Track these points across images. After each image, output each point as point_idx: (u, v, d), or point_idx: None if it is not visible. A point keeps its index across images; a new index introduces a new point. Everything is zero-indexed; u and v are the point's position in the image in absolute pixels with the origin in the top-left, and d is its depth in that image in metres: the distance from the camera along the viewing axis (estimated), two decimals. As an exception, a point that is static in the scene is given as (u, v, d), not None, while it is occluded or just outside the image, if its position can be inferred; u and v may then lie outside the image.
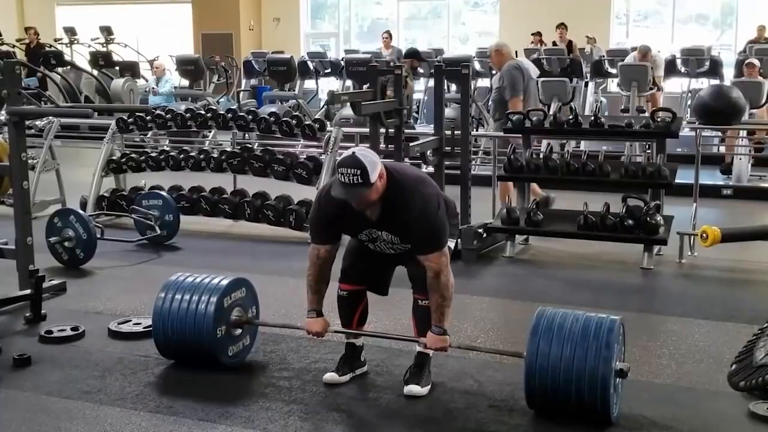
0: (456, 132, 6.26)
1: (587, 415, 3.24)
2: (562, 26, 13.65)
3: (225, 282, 3.81)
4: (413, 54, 8.76)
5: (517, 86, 6.75)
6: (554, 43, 13.68)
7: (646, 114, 7.95)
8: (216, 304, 3.71)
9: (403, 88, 6.31)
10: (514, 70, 6.82)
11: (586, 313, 3.35)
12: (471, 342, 4.23)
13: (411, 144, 5.99)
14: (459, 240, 5.90)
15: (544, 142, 8.38)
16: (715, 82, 10.59)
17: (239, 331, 3.88)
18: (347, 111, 9.35)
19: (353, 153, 3.28)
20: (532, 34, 14.37)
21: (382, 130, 6.11)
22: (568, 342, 3.21)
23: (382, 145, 6.08)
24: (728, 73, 11.79)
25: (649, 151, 6.66)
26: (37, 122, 8.33)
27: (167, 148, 7.53)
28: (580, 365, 3.16)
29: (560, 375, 3.18)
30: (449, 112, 8.73)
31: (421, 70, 11.20)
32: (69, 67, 14.25)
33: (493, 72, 11.24)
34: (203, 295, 3.75)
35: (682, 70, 11.56)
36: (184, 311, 3.73)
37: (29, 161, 4.97)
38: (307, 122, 6.81)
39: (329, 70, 13.14)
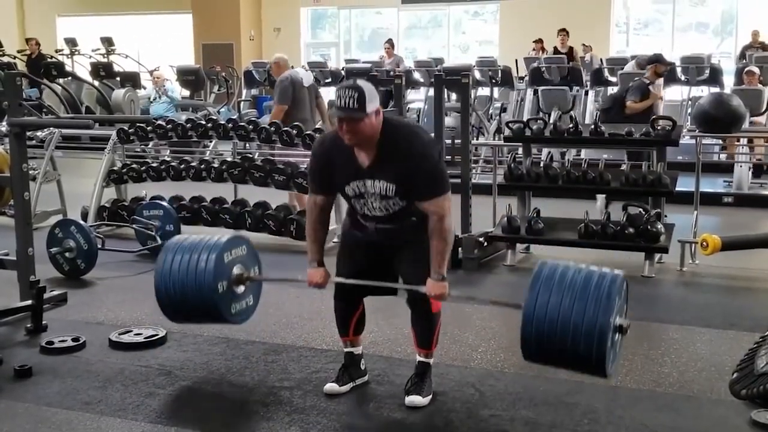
0: (456, 141, 6.27)
1: (582, 368, 3.20)
2: (563, 32, 13.68)
3: (225, 239, 3.80)
4: (657, 59, 8.25)
5: (284, 96, 7.26)
6: (555, 49, 13.71)
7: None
8: (216, 259, 3.68)
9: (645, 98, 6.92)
10: (285, 81, 7.31)
11: (589, 266, 3.28)
12: (472, 350, 4.23)
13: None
14: (460, 249, 5.91)
15: (545, 151, 8.42)
16: (715, 90, 10.60)
17: (242, 288, 3.83)
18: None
19: (355, 80, 3.33)
20: (534, 42, 14.40)
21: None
22: (568, 292, 3.13)
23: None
24: (728, 81, 11.80)
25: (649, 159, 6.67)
26: (38, 133, 8.35)
27: (168, 159, 7.54)
28: (578, 316, 3.08)
29: (557, 325, 3.10)
30: (449, 120, 8.75)
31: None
32: (70, 77, 14.28)
33: (493, 81, 11.36)
34: (203, 253, 3.71)
35: (682, 78, 11.56)
36: (185, 269, 3.70)
37: (30, 172, 4.98)
38: (307, 132, 6.82)
39: (329, 80, 13.16)
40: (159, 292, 3.80)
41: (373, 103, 3.26)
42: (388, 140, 3.34)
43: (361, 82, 3.31)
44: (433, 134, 6.42)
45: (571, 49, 13.54)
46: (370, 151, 3.35)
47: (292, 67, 7.75)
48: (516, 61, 13.14)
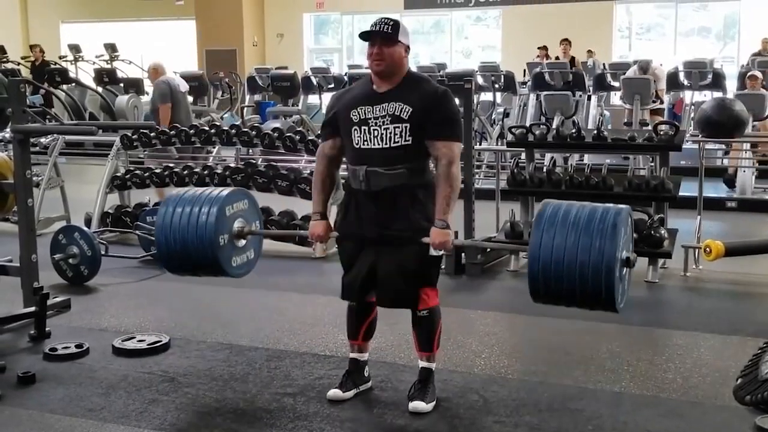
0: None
1: (592, 304, 3.15)
2: (565, 42, 13.69)
3: (226, 192, 3.75)
4: None
5: (164, 95, 7.93)
6: (557, 59, 13.72)
7: (649, 127, 7.96)
8: (217, 212, 3.63)
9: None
10: (162, 84, 7.99)
11: (593, 203, 3.22)
12: (475, 356, 4.23)
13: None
14: (463, 254, 5.90)
15: (548, 156, 8.41)
16: (718, 94, 10.59)
17: (243, 242, 3.79)
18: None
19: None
20: (539, 48, 14.40)
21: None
22: (573, 228, 3.08)
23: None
24: (731, 86, 11.80)
25: (652, 164, 6.67)
26: (42, 139, 8.37)
27: (171, 165, 7.55)
28: (584, 250, 3.03)
29: (564, 261, 3.06)
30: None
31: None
32: (74, 84, 14.31)
33: (496, 86, 11.37)
34: (204, 205, 3.67)
35: (685, 82, 11.56)
36: (186, 221, 3.65)
37: (34, 178, 5.00)
38: (310, 137, 6.82)
39: (332, 85, 13.17)
40: (159, 244, 3.75)
41: (405, 37, 3.44)
42: (412, 79, 3.46)
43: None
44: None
45: (573, 59, 13.54)
46: (392, 83, 3.42)
47: (176, 73, 8.18)
48: (524, 70, 13.13)
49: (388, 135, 3.37)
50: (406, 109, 3.35)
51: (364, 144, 3.41)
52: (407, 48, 3.44)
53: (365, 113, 3.41)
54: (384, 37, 3.38)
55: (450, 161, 3.34)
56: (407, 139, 3.36)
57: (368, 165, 3.40)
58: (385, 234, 3.42)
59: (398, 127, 3.36)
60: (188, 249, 3.65)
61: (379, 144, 3.38)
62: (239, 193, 3.86)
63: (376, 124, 3.38)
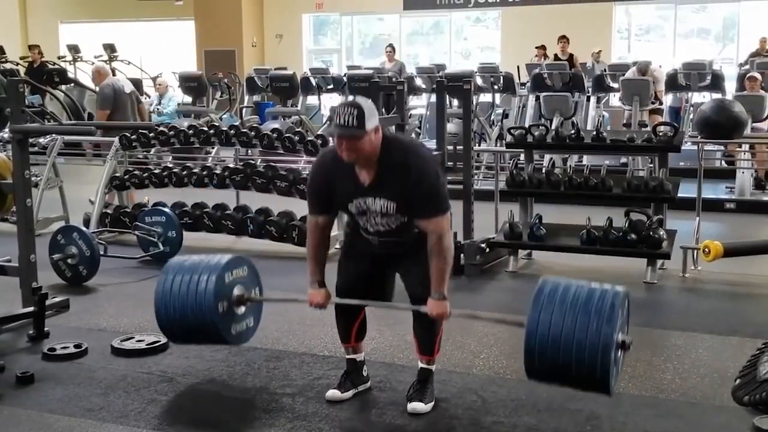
0: (458, 147, 6.27)
1: (586, 385, 3.19)
2: (563, 39, 13.68)
3: (225, 259, 3.78)
4: None
5: (106, 102, 8.02)
6: (556, 56, 13.71)
7: (648, 128, 7.97)
8: (216, 279, 3.66)
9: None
10: (107, 88, 8.07)
11: (591, 283, 3.27)
12: (474, 357, 4.23)
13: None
14: (462, 255, 5.91)
15: (547, 157, 8.43)
16: (717, 95, 10.60)
17: (242, 309, 3.81)
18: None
19: (354, 98, 3.34)
20: (536, 47, 14.40)
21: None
22: (571, 308, 3.13)
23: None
24: (730, 87, 11.79)
25: (651, 165, 6.67)
26: (41, 139, 8.37)
27: (170, 165, 7.55)
28: (582, 330, 3.07)
29: (561, 341, 3.10)
30: (451, 127, 8.75)
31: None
32: (72, 84, 14.30)
33: (495, 87, 11.37)
34: (203, 273, 3.70)
35: (684, 84, 11.57)
36: (185, 289, 3.68)
37: (32, 178, 4.99)
38: (309, 138, 6.83)
39: (332, 86, 13.15)
40: (159, 313, 3.79)
41: (372, 120, 3.24)
42: (387, 158, 3.33)
43: (360, 99, 3.31)
44: (435, 139, 6.44)
45: (571, 56, 13.54)
46: (371, 169, 3.35)
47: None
48: (518, 68, 13.15)
49: (388, 222, 3.44)
50: (392, 205, 3.38)
51: (371, 227, 3.48)
52: (376, 128, 3.28)
53: (361, 205, 3.43)
54: (350, 136, 3.23)
55: (439, 236, 3.34)
56: (403, 220, 3.42)
57: (379, 237, 3.49)
58: (397, 253, 3.52)
59: (391, 217, 3.41)
60: (187, 317, 3.69)
61: (384, 227, 3.46)
62: (239, 260, 3.88)
63: (373, 213, 3.43)
